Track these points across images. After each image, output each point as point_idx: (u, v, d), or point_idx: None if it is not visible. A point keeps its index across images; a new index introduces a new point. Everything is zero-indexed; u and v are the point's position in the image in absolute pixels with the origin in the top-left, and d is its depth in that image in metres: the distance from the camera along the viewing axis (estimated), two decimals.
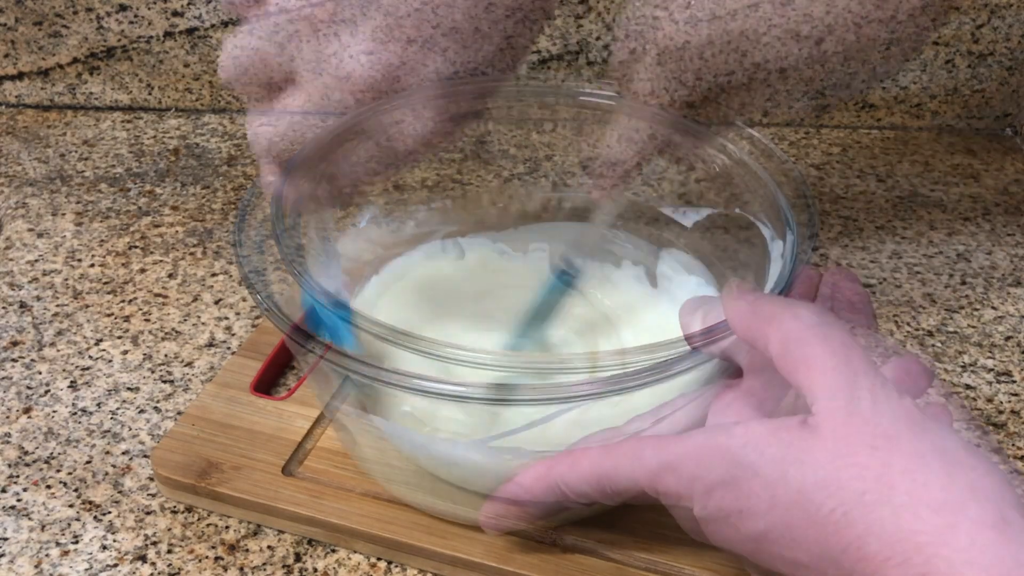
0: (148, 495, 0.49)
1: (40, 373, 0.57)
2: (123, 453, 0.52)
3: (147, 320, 0.62)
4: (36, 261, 0.67)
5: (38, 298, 0.64)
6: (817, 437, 0.30)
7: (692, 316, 0.38)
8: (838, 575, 0.30)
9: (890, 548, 0.28)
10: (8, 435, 0.53)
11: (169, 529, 0.48)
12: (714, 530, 0.34)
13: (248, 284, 0.42)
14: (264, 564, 0.46)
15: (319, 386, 0.45)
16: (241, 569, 0.46)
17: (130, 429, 0.53)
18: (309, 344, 0.39)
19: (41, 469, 0.51)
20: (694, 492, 0.33)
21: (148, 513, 0.48)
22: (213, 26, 0.81)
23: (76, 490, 0.50)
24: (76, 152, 0.81)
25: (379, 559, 0.46)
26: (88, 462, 0.51)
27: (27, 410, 0.55)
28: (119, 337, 0.60)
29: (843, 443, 0.30)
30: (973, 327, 0.62)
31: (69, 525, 0.48)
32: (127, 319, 0.62)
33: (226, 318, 0.62)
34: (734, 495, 0.32)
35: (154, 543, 0.47)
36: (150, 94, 0.86)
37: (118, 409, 0.55)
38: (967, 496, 0.28)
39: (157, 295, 0.64)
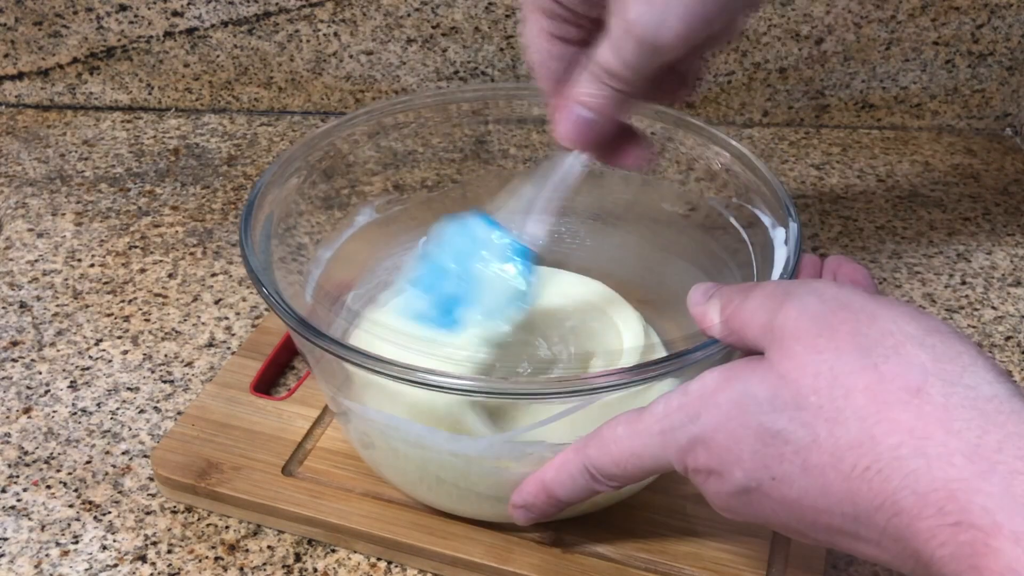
0: (148, 495, 0.49)
1: (40, 373, 0.57)
2: (123, 453, 0.52)
3: (147, 320, 0.62)
4: (36, 261, 0.67)
5: (38, 298, 0.64)
6: (846, 392, 0.30)
7: (706, 306, 0.38)
8: (871, 535, 0.30)
9: (925, 499, 0.28)
10: (8, 435, 0.53)
11: (169, 529, 0.48)
12: (747, 502, 0.33)
13: (254, 278, 0.42)
14: (264, 564, 0.46)
15: (325, 381, 0.45)
16: (241, 569, 0.46)
17: (130, 429, 0.53)
18: (316, 338, 0.39)
19: (41, 469, 0.51)
20: (726, 465, 0.33)
21: (148, 513, 0.48)
22: (213, 26, 0.81)
23: (76, 490, 0.50)
24: (76, 152, 0.81)
25: (379, 559, 0.46)
26: (88, 462, 0.51)
27: (27, 410, 0.55)
28: (119, 337, 0.60)
29: (873, 393, 0.30)
30: (973, 327, 0.62)
31: (69, 525, 0.48)
32: (127, 319, 0.62)
33: (226, 318, 0.62)
34: (766, 463, 0.32)
35: (154, 543, 0.47)
36: (150, 94, 0.86)
37: (118, 409, 0.55)
38: (1001, 443, 0.28)
39: (157, 295, 0.64)
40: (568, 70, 0.41)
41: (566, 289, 0.55)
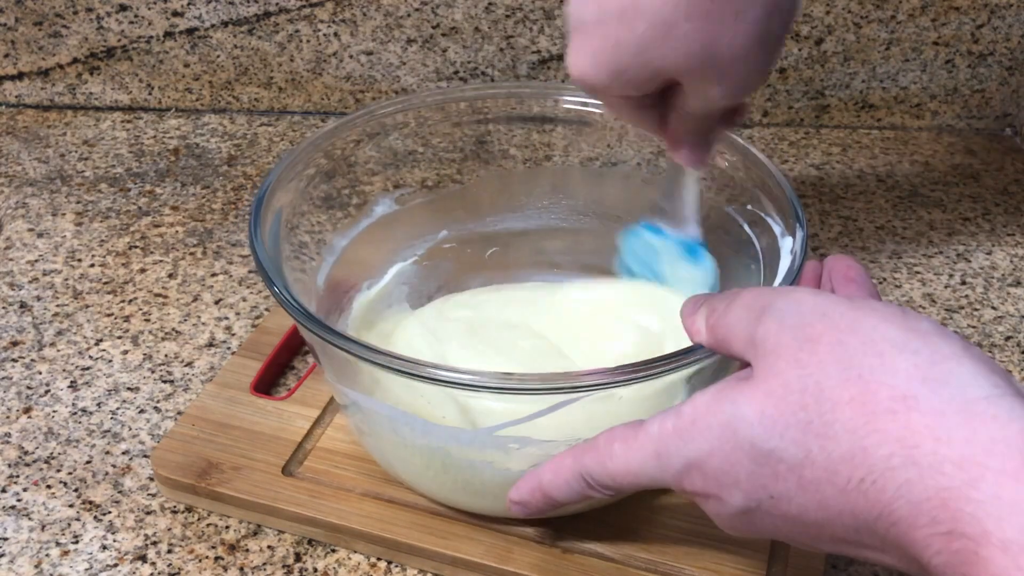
0: (148, 495, 0.49)
1: (40, 373, 0.57)
2: (123, 453, 0.52)
3: (147, 320, 0.62)
4: (36, 261, 0.67)
5: (38, 298, 0.64)
6: (833, 405, 0.31)
7: (695, 316, 0.38)
8: (875, 542, 0.30)
9: (918, 509, 0.28)
10: (8, 435, 0.53)
11: (169, 529, 0.48)
12: (750, 521, 0.34)
13: (265, 277, 0.42)
14: (264, 564, 0.46)
15: (332, 371, 0.45)
16: (241, 569, 0.46)
17: (130, 429, 0.53)
18: (325, 333, 0.39)
19: (41, 469, 0.51)
20: (723, 488, 0.33)
21: (148, 513, 0.48)
22: (213, 26, 0.81)
23: (76, 490, 0.50)
24: (76, 152, 0.81)
25: (379, 559, 0.46)
26: (88, 462, 0.51)
27: (27, 410, 0.55)
28: (119, 337, 0.60)
29: (860, 404, 0.30)
30: (973, 327, 0.62)
31: (69, 525, 0.48)
32: (127, 319, 0.62)
33: (226, 318, 0.62)
34: (763, 483, 0.32)
35: (154, 543, 0.47)
36: (150, 94, 0.86)
37: (118, 409, 0.55)
38: (989, 448, 0.28)
39: (157, 295, 0.64)
40: (661, 118, 0.45)
41: (597, 295, 0.55)
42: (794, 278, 0.42)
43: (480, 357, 0.49)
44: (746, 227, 0.49)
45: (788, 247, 0.45)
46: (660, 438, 0.35)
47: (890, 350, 0.31)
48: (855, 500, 0.30)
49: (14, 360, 0.58)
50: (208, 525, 0.48)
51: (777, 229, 0.47)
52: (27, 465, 0.51)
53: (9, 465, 0.51)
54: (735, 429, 0.32)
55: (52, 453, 0.52)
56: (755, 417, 0.32)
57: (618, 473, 0.36)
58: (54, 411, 0.55)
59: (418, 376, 0.38)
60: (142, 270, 0.66)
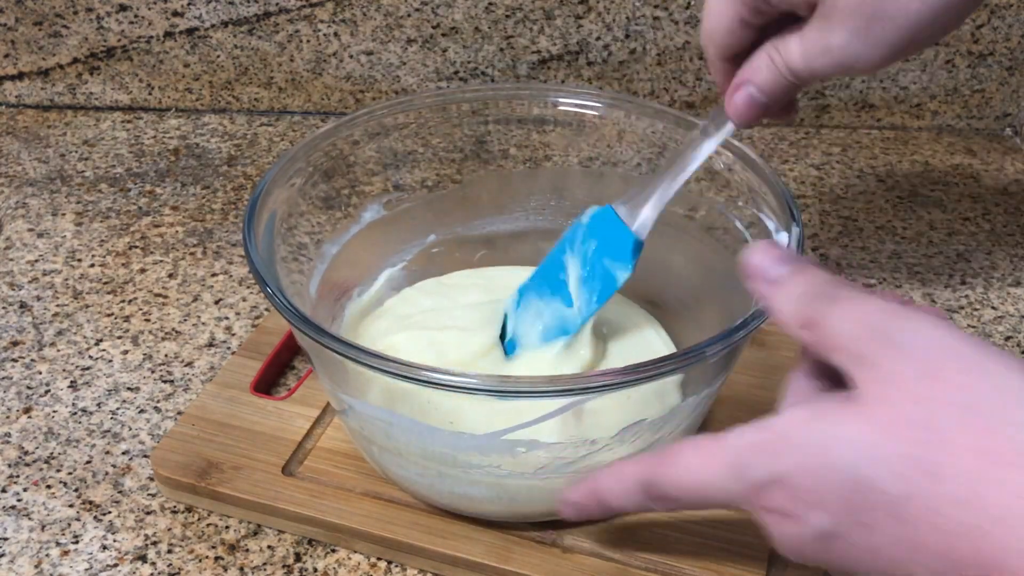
0: (148, 495, 0.49)
1: (40, 373, 0.57)
2: (123, 453, 0.52)
3: (147, 320, 0.62)
4: (36, 261, 0.67)
5: (38, 298, 0.64)
6: (950, 447, 0.29)
7: (774, 288, 0.35)
8: None
9: None
10: (8, 435, 0.53)
11: (169, 529, 0.48)
12: (824, 546, 0.32)
13: (258, 277, 0.42)
14: (264, 564, 0.46)
15: (328, 378, 0.45)
16: (241, 569, 0.46)
17: (130, 429, 0.53)
18: (318, 336, 0.39)
19: (41, 469, 0.51)
20: (806, 507, 0.32)
21: (148, 513, 0.48)
22: (213, 26, 0.81)
23: (76, 490, 0.50)
24: (76, 152, 0.81)
25: (379, 559, 0.46)
26: (88, 462, 0.51)
27: (27, 410, 0.55)
28: (119, 337, 0.60)
29: (979, 451, 0.29)
30: (973, 327, 0.62)
31: (69, 525, 0.48)
32: (127, 319, 0.62)
33: (226, 318, 0.62)
34: (852, 509, 0.31)
35: (154, 543, 0.47)
36: (150, 94, 0.86)
37: (118, 409, 0.55)
38: None
39: (157, 295, 0.64)
40: (742, 51, 0.44)
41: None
42: None
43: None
44: (735, 222, 0.49)
45: (783, 238, 0.45)
46: (741, 449, 0.33)
47: (1015, 401, 0.30)
48: (955, 544, 0.29)
49: (14, 360, 0.58)
50: (208, 525, 0.48)
51: (768, 221, 0.47)
52: (27, 465, 0.51)
53: (9, 465, 0.51)
54: (832, 450, 0.31)
55: (52, 453, 0.52)
56: (858, 442, 0.30)
57: (685, 483, 0.35)
58: (54, 411, 0.55)
59: (416, 380, 0.38)
60: (142, 270, 0.66)
